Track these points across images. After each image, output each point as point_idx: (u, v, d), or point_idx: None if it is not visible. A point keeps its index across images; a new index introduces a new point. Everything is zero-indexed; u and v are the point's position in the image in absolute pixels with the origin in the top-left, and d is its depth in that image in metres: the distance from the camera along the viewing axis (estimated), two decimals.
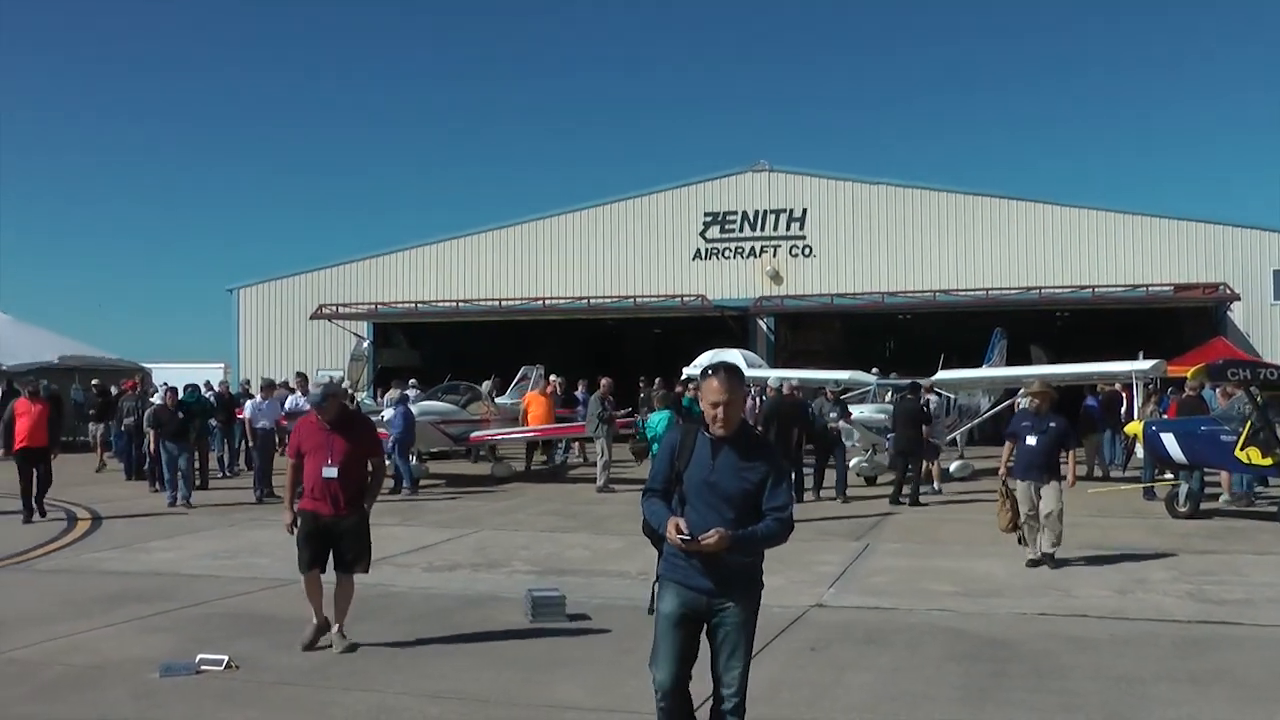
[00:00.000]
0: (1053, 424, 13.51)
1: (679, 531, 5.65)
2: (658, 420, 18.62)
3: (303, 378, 24.95)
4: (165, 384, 27.49)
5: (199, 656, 8.75)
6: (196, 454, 22.09)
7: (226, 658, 8.76)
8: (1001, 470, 13.87)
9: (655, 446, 12.15)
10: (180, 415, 20.78)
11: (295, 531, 9.47)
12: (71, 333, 40.59)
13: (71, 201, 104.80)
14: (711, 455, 5.81)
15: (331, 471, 9.22)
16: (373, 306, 39.47)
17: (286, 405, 22.29)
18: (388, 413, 23.15)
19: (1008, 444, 13.97)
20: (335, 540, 9.37)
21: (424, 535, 16.30)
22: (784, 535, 5.81)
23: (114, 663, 8.99)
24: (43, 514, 18.15)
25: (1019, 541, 13.59)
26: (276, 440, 21.92)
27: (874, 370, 28.38)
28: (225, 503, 20.50)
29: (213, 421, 24.98)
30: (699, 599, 5.78)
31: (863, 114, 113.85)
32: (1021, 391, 22.18)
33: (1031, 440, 13.47)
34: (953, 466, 24.07)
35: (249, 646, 9.28)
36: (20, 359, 34.39)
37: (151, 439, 21.07)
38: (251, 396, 24.45)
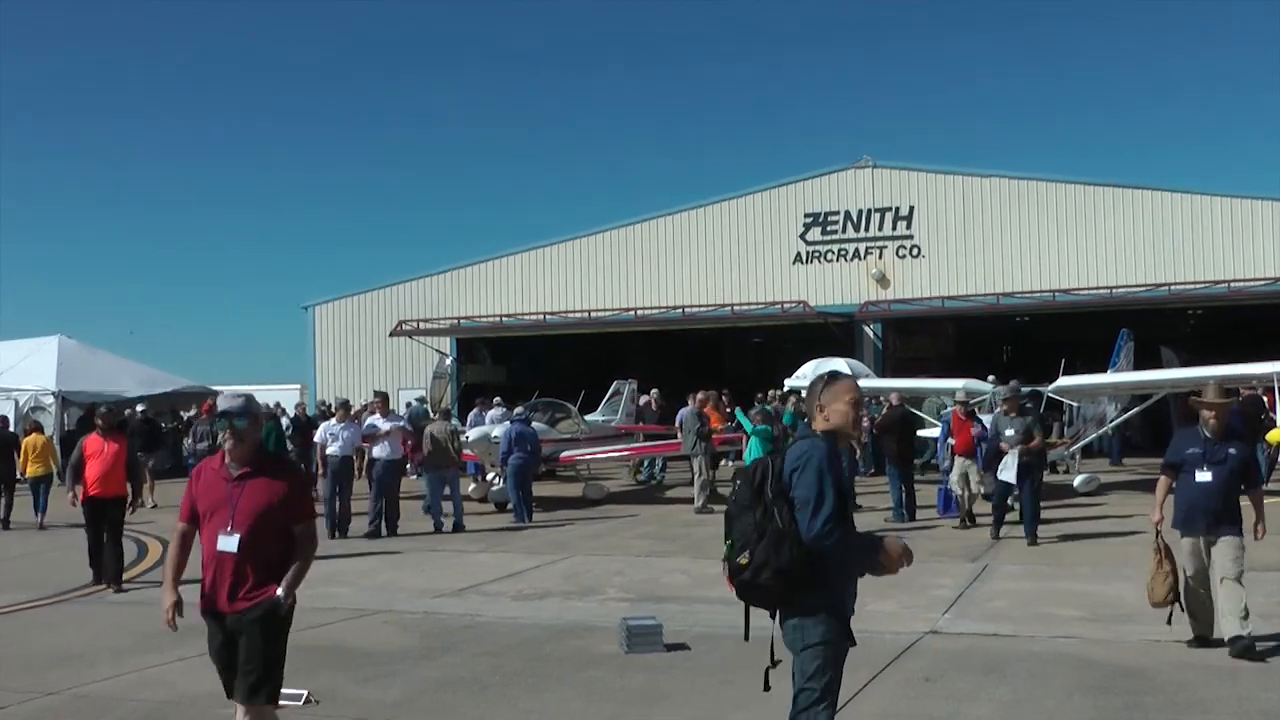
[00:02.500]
0: (1233, 450, 10.19)
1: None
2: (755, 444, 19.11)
3: (383, 397, 22.89)
4: None
5: None
6: None
7: (306, 692, 8.80)
8: (1155, 516, 10.50)
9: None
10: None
11: (176, 620, 6.68)
12: (140, 356, 41.06)
13: (140, 220, 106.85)
14: (844, 465, 5.71)
15: (229, 543, 6.49)
16: (455, 321, 39.64)
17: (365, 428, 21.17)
18: (496, 430, 23.11)
19: (1163, 479, 10.61)
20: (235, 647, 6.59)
21: (512, 561, 16.24)
22: None
23: (188, 697, 9.09)
24: (117, 583, 14.79)
25: (1169, 620, 10.17)
26: (356, 469, 21.71)
27: (990, 378, 28.03)
28: None
29: (290, 446, 25.17)
30: None
31: (969, 102, 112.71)
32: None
33: (1204, 475, 10.06)
34: (1078, 481, 23.71)
35: (329, 680, 9.34)
36: (87, 387, 34.73)
37: None
38: (330, 418, 22.38)
